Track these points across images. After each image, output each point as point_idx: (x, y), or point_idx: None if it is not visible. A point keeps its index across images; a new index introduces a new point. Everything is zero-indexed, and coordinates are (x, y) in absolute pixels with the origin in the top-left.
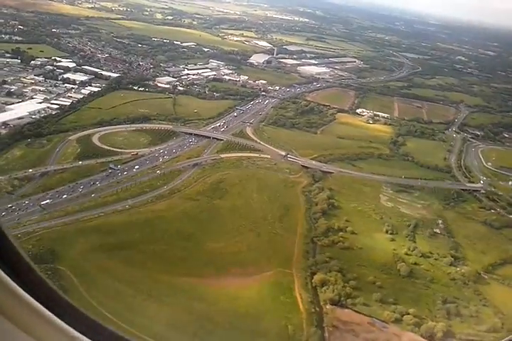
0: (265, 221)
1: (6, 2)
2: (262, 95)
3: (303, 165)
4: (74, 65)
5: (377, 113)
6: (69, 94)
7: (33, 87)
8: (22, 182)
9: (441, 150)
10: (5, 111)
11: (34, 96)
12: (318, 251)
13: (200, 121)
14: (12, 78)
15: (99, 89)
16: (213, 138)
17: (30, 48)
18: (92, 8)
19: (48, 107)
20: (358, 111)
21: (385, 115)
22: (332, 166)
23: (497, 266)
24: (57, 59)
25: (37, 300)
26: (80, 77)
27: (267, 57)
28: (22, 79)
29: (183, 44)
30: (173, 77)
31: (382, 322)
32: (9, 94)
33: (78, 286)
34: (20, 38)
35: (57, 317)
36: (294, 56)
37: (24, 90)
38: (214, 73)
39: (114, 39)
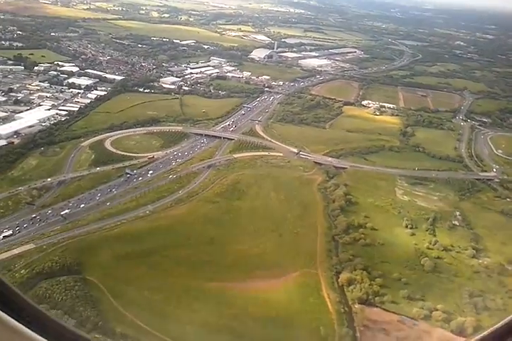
0: (285, 220)
1: (2, 7)
2: (267, 91)
3: (316, 162)
4: (77, 69)
5: (383, 104)
6: (76, 100)
7: (40, 93)
8: (41, 192)
9: (451, 140)
10: (15, 119)
11: (42, 103)
12: (341, 249)
13: (209, 121)
14: (18, 85)
15: (105, 92)
16: (224, 137)
17: (32, 54)
18: (87, 9)
19: (57, 114)
20: (364, 103)
21: (391, 106)
22: (345, 161)
23: None
24: (60, 63)
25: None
26: (84, 81)
27: (267, 51)
28: (28, 86)
29: (183, 42)
30: (176, 76)
31: (411, 320)
32: (17, 102)
33: (109, 297)
34: (21, 44)
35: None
36: (294, 49)
37: (31, 97)
38: (217, 71)
39: (114, 40)
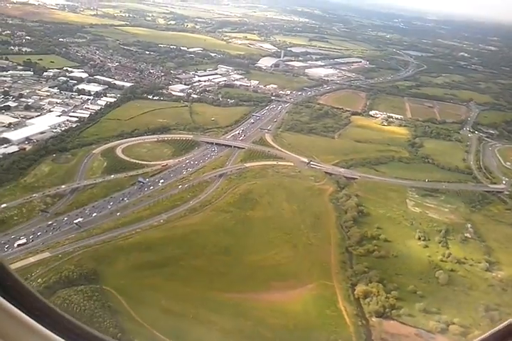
0: (299, 231)
1: (11, 12)
2: (275, 100)
3: (326, 172)
4: (86, 75)
5: (391, 114)
6: (86, 106)
7: (50, 99)
8: (54, 200)
9: (459, 151)
10: (26, 125)
11: (52, 109)
12: (355, 260)
13: (218, 130)
14: (28, 91)
15: (115, 99)
16: (234, 146)
17: (41, 59)
18: (94, 15)
19: (68, 120)
20: (372, 113)
21: (399, 116)
22: (355, 171)
23: None
24: (69, 69)
25: (16, 306)
26: (94, 87)
27: (274, 60)
28: (37, 91)
29: (190, 50)
30: (185, 84)
31: (428, 333)
32: (27, 107)
33: (126, 307)
34: (30, 49)
35: (36, 321)
36: (300, 58)
37: (41, 103)
38: (224, 79)
39: (121, 47)
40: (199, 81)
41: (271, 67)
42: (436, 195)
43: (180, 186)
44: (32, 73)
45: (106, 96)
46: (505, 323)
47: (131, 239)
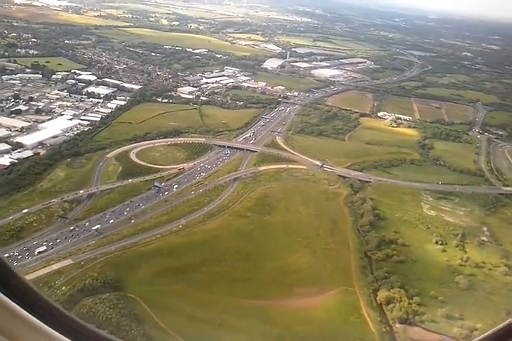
0: (317, 236)
1: (15, 14)
2: (283, 102)
3: (339, 175)
4: (95, 77)
5: (399, 115)
6: (96, 109)
7: (60, 102)
8: (72, 205)
9: (469, 153)
10: (38, 129)
11: (63, 113)
12: (375, 266)
13: (229, 132)
14: (38, 94)
15: (125, 102)
16: (247, 149)
17: (48, 62)
18: (98, 16)
19: (79, 124)
20: (380, 114)
21: (407, 118)
22: (368, 174)
23: None
24: (77, 72)
25: (19, 305)
26: (103, 90)
27: (280, 61)
28: (47, 94)
29: (196, 51)
30: (193, 86)
31: (452, 339)
32: (38, 111)
33: (152, 315)
34: (36, 52)
35: (39, 320)
36: (305, 59)
37: (51, 106)
38: (232, 80)
39: (127, 48)
40: (207, 83)
41: (277, 68)
42: (450, 198)
43: (196, 190)
44: (41, 76)
45: (116, 99)
46: (505, 323)
47: (152, 245)
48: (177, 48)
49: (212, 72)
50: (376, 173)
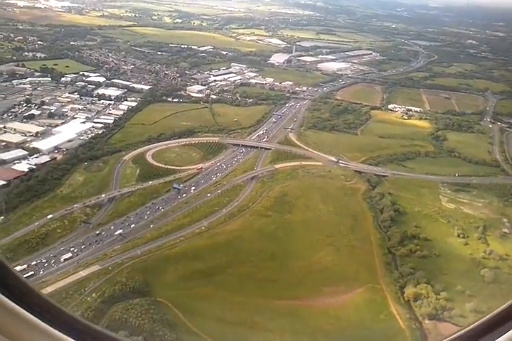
0: (339, 233)
1: (19, 17)
2: (293, 97)
3: (356, 170)
4: (104, 79)
5: (410, 107)
6: (108, 111)
7: (71, 105)
8: (94, 210)
9: (483, 143)
10: (53, 134)
11: (76, 116)
12: (399, 261)
13: (242, 131)
14: (49, 98)
15: (136, 103)
16: (261, 147)
17: (56, 64)
18: (101, 16)
19: (93, 127)
20: (390, 106)
21: (418, 109)
22: (384, 169)
23: None
24: (86, 74)
25: (18, 304)
26: (113, 91)
27: (286, 56)
28: (58, 98)
29: (201, 48)
30: (201, 84)
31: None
32: (51, 115)
33: (183, 319)
34: (44, 54)
35: (38, 318)
36: (310, 52)
37: (63, 110)
38: (239, 77)
39: (133, 48)
40: (215, 81)
41: (283, 63)
42: (468, 190)
43: (214, 191)
44: (50, 79)
45: (126, 100)
46: (507, 304)
47: (177, 248)
48: (182, 46)
49: (219, 70)
50: (392, 167)
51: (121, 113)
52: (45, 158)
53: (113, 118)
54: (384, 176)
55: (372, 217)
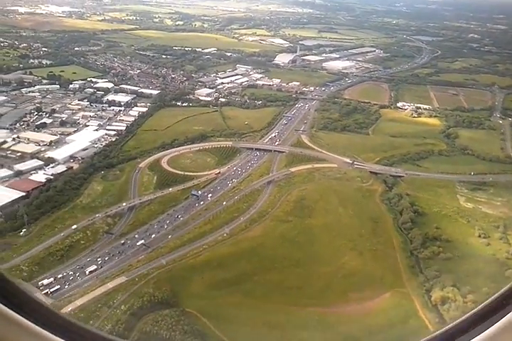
0: (361, 237)
1: (22, 23)
2: (301, 98)
3: (371, 172)
4: (112, 85)
5: (418, 105)
6: (120, 118)
7: (82, 113)
8: (115, 220)
9: (495, 139)
10: (66, 143)
11: (88, 124)
12: (423, 264)
13: (254, 134)
14: (59, 106)
15: (146, 108)
16: (275, 150)
17: (63, 71)
18: (102, 20)
19: (106, 134)
20: (399, 104)
21: (426, 106)
22: (399, 169)
23: None
24: (93, 80)
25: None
26: (122, 98)
27: (290, 56)
28: (68, 105)
29: (205, 50)
30: (209, 87)
31: None
32: (63, 123)
33: (213, 329)
34: (49, 61)
35: (32, 322)
36: (314, 51)
37: (75, 117)
38: (246, 79)
39: (137, 52)
40: (222, 83)
41: (288, 63)
42: (484, 189)
43: (233, 196)
44: (58, 86)
45: (136, 106)
46: (482, 305)
47: (201, 257)
48: (186, 49)
49: (225, 72)
50: (406, 167)
51: (133, 119)
52: (62, 168)
53: (125, 124)
54: (400, 176)
55: (392, 219)
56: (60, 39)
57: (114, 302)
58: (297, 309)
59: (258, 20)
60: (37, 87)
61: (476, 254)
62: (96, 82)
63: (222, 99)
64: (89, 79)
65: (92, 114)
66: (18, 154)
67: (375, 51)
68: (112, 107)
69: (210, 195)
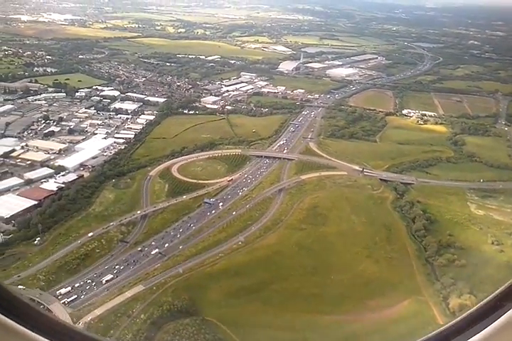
0: (376, 245)
1: (25, 32)
2: (307, 106)
3: (381, 179)
4: (118, 92)
5: (424, 112)
6: (128, 126)
7: (90, 121)
8: (128, 228)
9: (502, 146)
10: (76, 151)
11: (96, 132)
12: (438, 272)
13: (262, 141)
14: (66, 114)
15: (153, 117)
16: (284, 158)
17: (68, 79)
18: (104, 28)
19: (115, 142)
20: (404, 112)
21: (432, 114)
22: (408, 176)
23: None
24: (99, 88)
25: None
26: (129, 105)
27: (294, 63)
28: (75, 113)
29: (209, 58)
30: (215, 95)
31: None
32: (71, 131)
33: (234, 338)
34: (54, 69)
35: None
36: (316, 58)
37: (82, 125)
38: (251, 87)
39: (141, 60)
40: (227, 91)
41: (292, 70)
42: (494, 196)
43: (245, 204)
44: (64, 94)
45: (143, 114)
46: (477, 305)
47: (218, 265)
48: (190, 56)
49: (230, 79)
50: (415, 174)
51: (141, 127)
52: (73, 176)
53: (133, 132)
54: (409, 184)
55: (405, 227)
56: (64, 47)
57: (133, 311)
58: (317, 317)
59: (259, 27)
60: (43, 95)
61: (490, 261)
62: (102, 90)
63: (229, 107)
64: (94, 87)
65: (99, 122)
66: (28, 162)
67: (377, 58)
68: (119, 115)
69: (222, 203)
